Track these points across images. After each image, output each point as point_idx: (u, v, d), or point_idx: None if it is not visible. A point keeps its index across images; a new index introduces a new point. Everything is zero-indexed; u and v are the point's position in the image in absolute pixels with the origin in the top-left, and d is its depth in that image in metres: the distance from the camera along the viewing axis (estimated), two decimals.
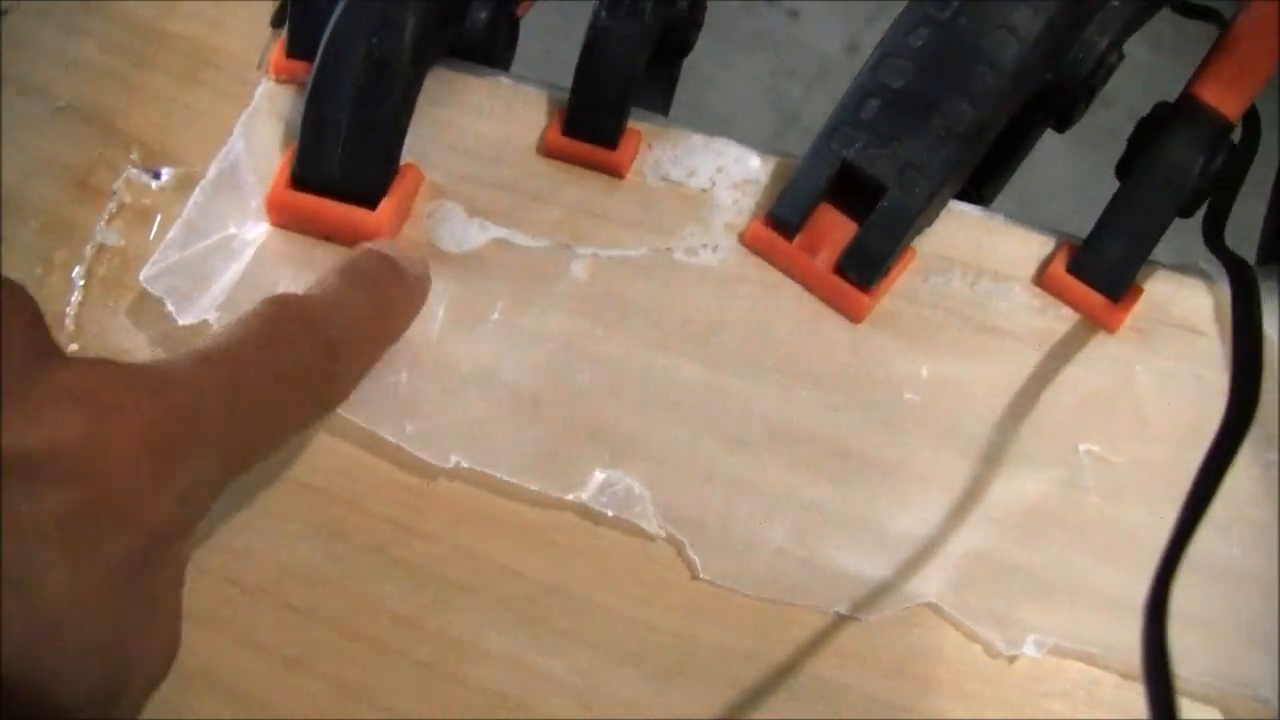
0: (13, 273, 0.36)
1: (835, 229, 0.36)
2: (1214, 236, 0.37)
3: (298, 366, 0.28)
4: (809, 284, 0.36)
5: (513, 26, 0.41)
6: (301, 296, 0.30)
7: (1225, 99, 0.37)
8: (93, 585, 0.22)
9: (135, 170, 0.38)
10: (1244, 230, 0.42)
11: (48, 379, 0.22)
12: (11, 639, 0.20)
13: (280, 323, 0.28)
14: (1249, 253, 0.42)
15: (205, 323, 0.36)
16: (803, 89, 0.90)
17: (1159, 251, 0.37)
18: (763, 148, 0.38)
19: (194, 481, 0.24)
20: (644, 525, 0.34)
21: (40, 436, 0.21)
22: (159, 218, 0.38)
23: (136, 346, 0.36)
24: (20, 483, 0.21)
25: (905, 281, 0.36)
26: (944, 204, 0.36)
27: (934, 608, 0.33)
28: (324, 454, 0.35)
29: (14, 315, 0.23)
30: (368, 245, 0.34)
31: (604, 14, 0.37)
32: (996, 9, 0.34)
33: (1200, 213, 0.38)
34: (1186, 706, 0.33)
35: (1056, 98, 0.38)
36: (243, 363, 0.27)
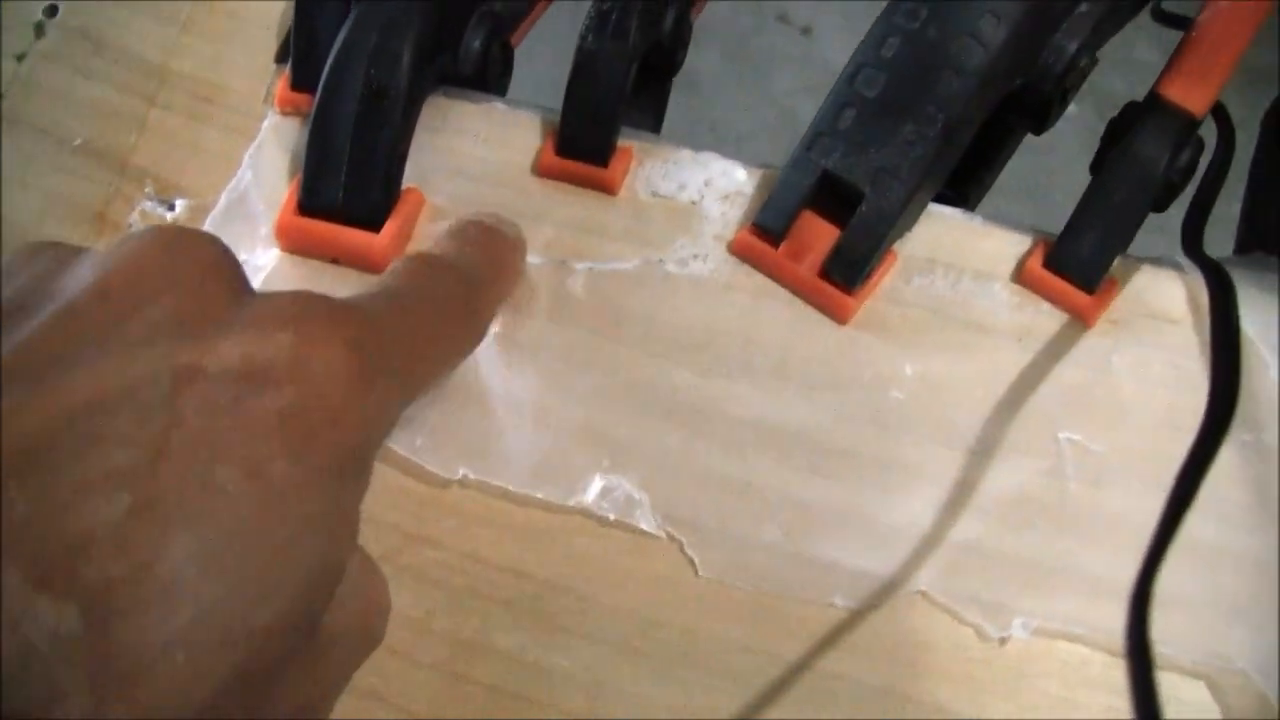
0: None
1: (818, 235, 0.37)
2: (1192, 242, 0.39)
3: (448, 302, 0.32)
4: (795, 289, 0.37)
5: (506, 54, 0.43)
6: (430, 251, 0.34)
7: (1189, 96, 0.38)
8: (308, 473, 0.24)
9: (150, 202, 0.40)
10: (1225, 221, 0.43)
11: (260, 304, 0.26)
12: (249, 516, 0.23)
13: (425, 268, 0.33)
14: (1229, 241, 0.44)
15: None
16: (814, 106, 0.92)
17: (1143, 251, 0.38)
18: (769, 163, 0.40)
19: (382, 398, 0.27)
20: (644, 526, 0.35)
21: (265, 352, 0.24)
22: None
23: None
24: (248, 388, 0.24)
25: (889, 283, 0.38)
26: (922, 207, 0.38)
27: (924, 596, 0.35)
28: None
29: (222, 253, 0.27)
30: (466, 216, 0.38)
31: (590, 37, 0.38)
32: (962, 18, 0.36)
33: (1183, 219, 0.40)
34: (1173, 682, 0.34)
35: (1030, 101, 0.39)
36: (404, 298, 0.30)
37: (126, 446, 0.22)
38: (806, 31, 0.96)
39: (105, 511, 0.22)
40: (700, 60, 1.06)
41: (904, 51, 0.36)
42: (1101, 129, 0.40)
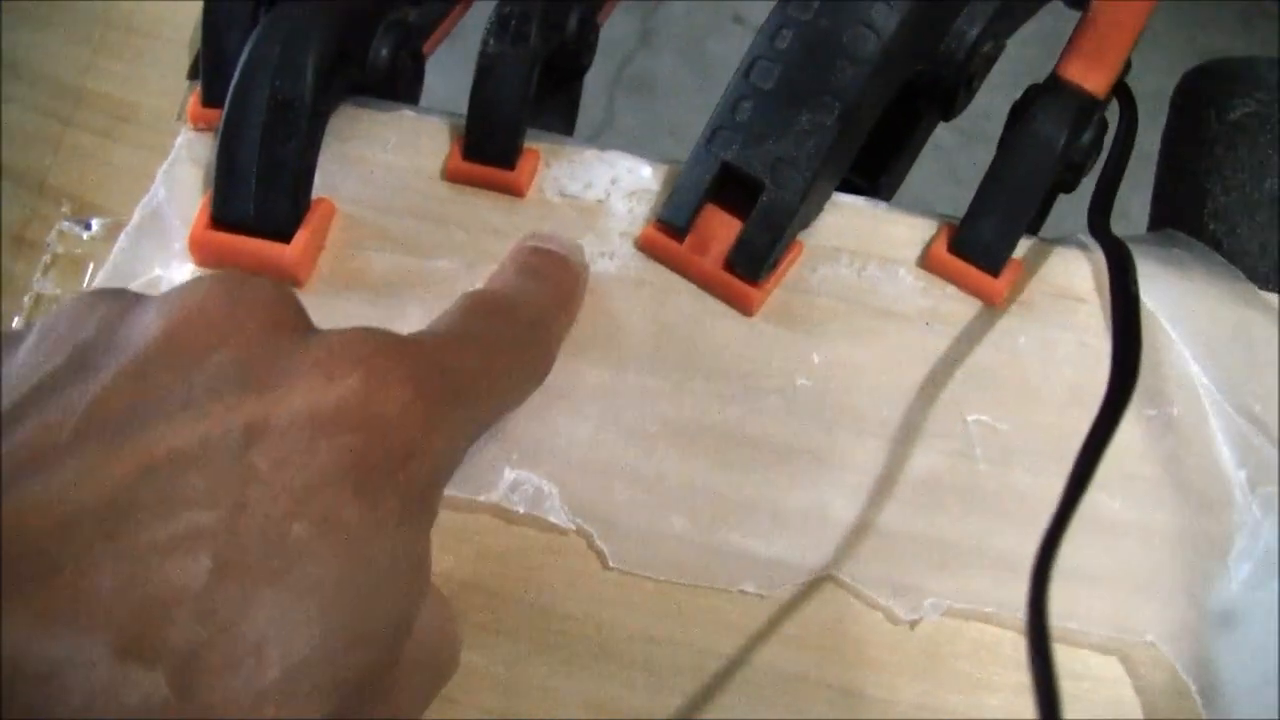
0: None
1: (722, 228, 0.37)
2: (1098, 220, 0.39)
3: (513, 339, 0.32)
4: (701, 282, 0.38)
5: (417, 63, 0.43)
6: (488, 289, 0.34)
7: (1088, 76, 0.38)
8: (382, 517, 0.25)
9: (67, 223, 0.41)
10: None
11: (324, 344, 0.26)
12: (328, 568, 0.23)
13: (481, 307, 0.32)
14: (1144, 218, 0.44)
15: None
16: None
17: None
18: (676, 159, 0.40)
19: (449, 436, 0.27)
20: (554, 520, 0.35)
21: (331, 394, 0.25)
22: (91, 266, 0.40)
23: None
24: (317, 435, 0.24)
25: (794, 273, 0.38)
26: (825, 196, 0.38)
27: (835, 580, 0.35)
28: None
29: (283, 295, 0.27)
30: (527, 240, 0.37)
31: (492, 42, 0.39)
32: (854, 7, 0.36)
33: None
34: (1085, 658, 0.35)
35: (934, 88, 0.40)
36: (469, 337, 0.30)
37: (204, 506, 0.22)
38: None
39: (188, 574, 0.22)
40: (657, 63, 1.07)
41: (798, 42, 0.37)
42: None
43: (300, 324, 0.27)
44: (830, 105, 0.36)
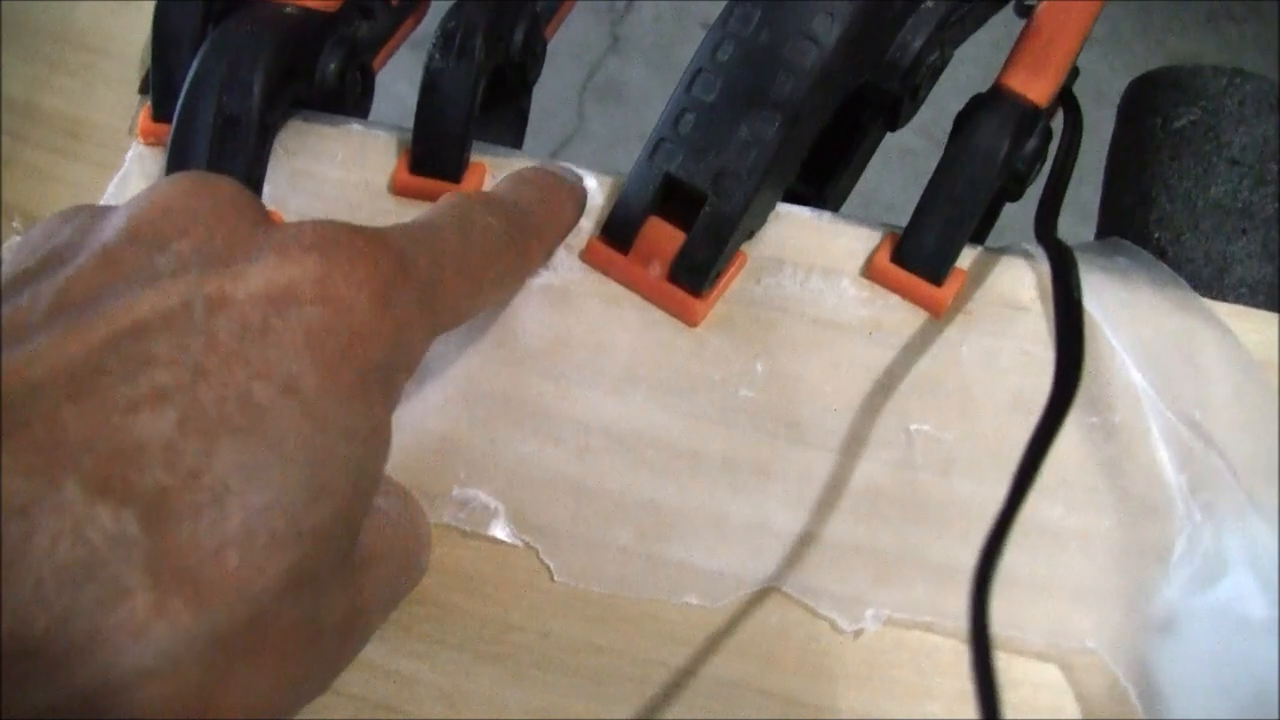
0: None
1: (665, 240, 0.38)
2: (1043, 226, 0.39)
3: (487, 235, 0.33)
4: (645, 294, 0.38)
5: (366, 77, 0.43)
6: (478, 190, 0.36)
7: (1030, 85, 0.39)
8: (338, 386, 0.26)
9: (18, 238, 0.41)
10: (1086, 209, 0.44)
11: (282, 232, 0.27)
12: (287, 427, 0.25)
13: (464, 202, 0.33)
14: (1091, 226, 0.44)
15: None
16: None
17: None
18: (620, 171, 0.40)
19: (407, 319, 0.28)
20: (500, 536, 0.36)
21: (289, 274, 0.26)
22: None
23: None
24: (276, 309, 0.25)
25: (739, 284, 0.38)
26: (768, 208, 0.38)
27: (778, 591, 0.35)
28: None
29: (243, 190, 0.29)
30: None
31: (437, 56, 0.39)
32: (795, 19, 0.36)
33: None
34: (1025, 666, 0.35)
35: (878, 98, 0.40)
36: (438, 228, 0.32)
37: (169, 367, 0.24)
38: None
39: (154, 426, 0.23)
40: (625, 71, 1.07)
41: (738, 55, 0.37)
42: None
43: (259, 216, 0.28)
44: (771, 117, 0.36)
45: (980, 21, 0.44)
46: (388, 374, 0.28)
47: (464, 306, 0.32)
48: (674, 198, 0.37)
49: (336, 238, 0.27)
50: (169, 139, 0.38)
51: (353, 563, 0.28)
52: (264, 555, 0.24)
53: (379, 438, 0.28)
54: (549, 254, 0.38)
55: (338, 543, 0.26)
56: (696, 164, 0.37)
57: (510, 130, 0.45)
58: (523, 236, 0.35)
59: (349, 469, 0.26)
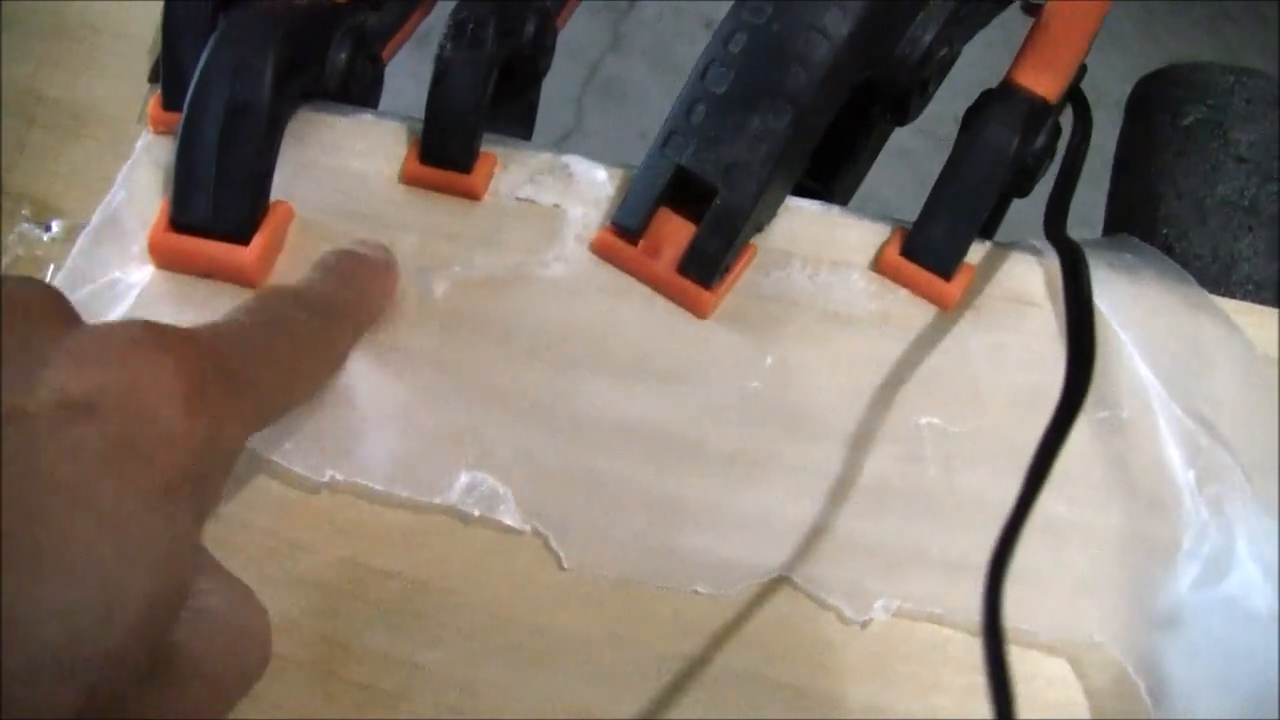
0: None
1: (675, 232, 0.38)
2: (1053, 224, 0.39)
3: (297, 330, 0.33)
4: (655, 286, 0.38)
5: (375, 66, 0.43)
6: (282, 285, 0.35)
7: (1040, 81, 0.39)
8: (138, 497, 0.25)
9: (27, 225, 0.41)
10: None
11: (84, 336, 0.26)
12: (80, 545, 0.23)
13: (273, 298, 0.33)
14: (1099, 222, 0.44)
15: None
16: None
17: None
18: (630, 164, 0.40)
19: (218, 422, 0.27)
20: (509, 522, 0.36)
21: (86, 382, 0.25)
22: (51, 268, 0.40)
23: None
24: (70, 420, 0.24)
25: (748, 277, 0.38)
26: (778, 201, 0.39)
27: (787, 581, 0.35)
28: None
29: (45, 292, 0.28)
30: (334, 249, 0.38)
31: (449, 46, 0.39)
32: (807, 11, 0.36)
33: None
34: (1035, 660, 0.35)
35: (887, 92, 0.40)
36: (247, 326, 0.31)
37: None
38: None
39: None
40: (627, 69, 1.07)
41: (750, 46, 0.37)
42: None
43: (64, 319, 0.27)
44: (783, 109, 0.36)
45: (988, 18, 0.44)
46: (197, 479, 0.27)
47: (278, 402, 0.32)
48: (684, 189, 0.38)
49: (141, 340, 0.26)
50: (179, 128, 0.38)
51: (168, 672, 0.26)
52: (56, 685, 0.22)
53: (181, 547, 0.26)
54: (360, 335, 0.37)
55: (137, 661, 0.24)
56: (708, 156, 0.37)
57: (519, 122, 0.45)
58: (331, 327, 0.35)
59: (147, 584, 0.25)
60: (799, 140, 0.37)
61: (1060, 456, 0.32)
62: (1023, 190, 0.40)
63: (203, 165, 0.38)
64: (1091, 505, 0.36)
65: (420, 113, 0.41)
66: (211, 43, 0.39)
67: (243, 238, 0.38)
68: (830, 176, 0.44)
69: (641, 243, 0.38)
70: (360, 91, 0.42)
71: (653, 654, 0.35)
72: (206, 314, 0.30)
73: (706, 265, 0.37)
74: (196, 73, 0.38)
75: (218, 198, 0.38)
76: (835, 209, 0.39)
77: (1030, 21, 0.42)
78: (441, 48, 0.39)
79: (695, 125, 0.37)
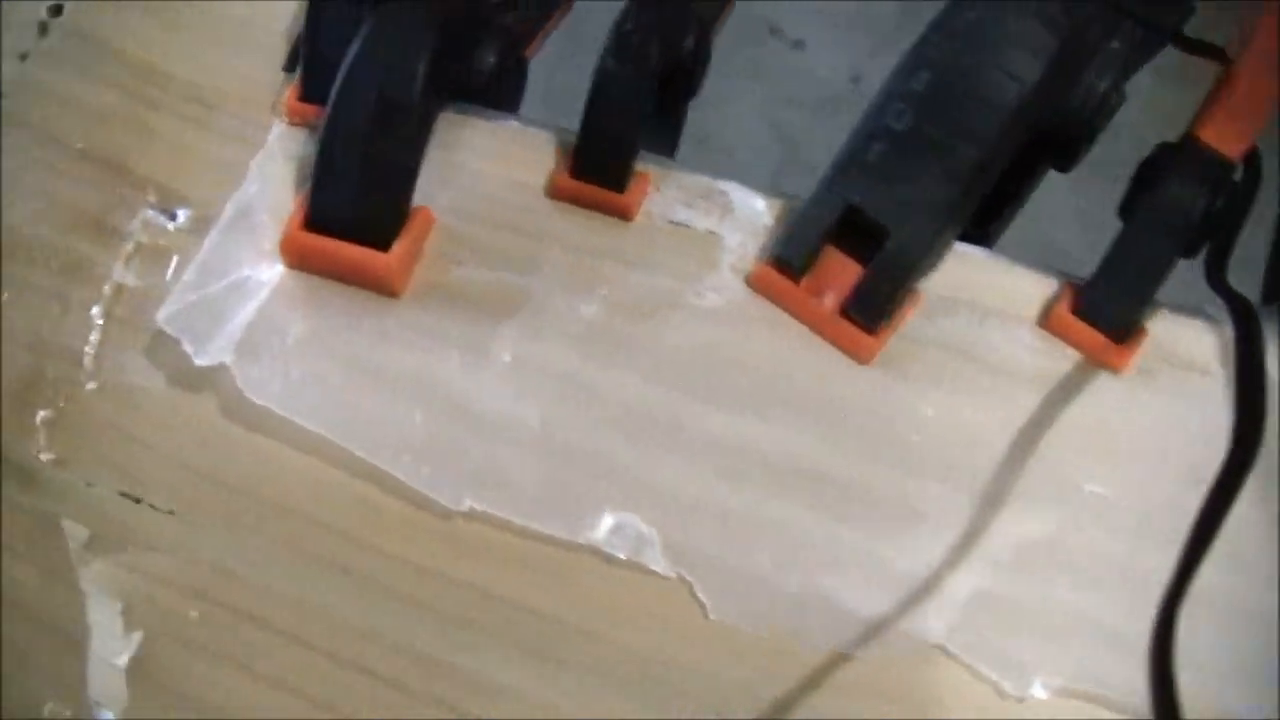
0: (30, 312, 0.37)
1: (840, 271, 0.36)
2: (1216, 275, 0.38)
3: None
4: (815, 326, 0.36)
5: (520, 68, 0.42)
6: None
7: (1226, 140, 0.37)
8: None
9: (151, 211, 0.39)
10: (1250, 265, 0.42)
11: None
12: None
13: None
14: (1254, 290, 0.43)
15: (223, 365, 0.36)
16: (806, 119, 0.91)
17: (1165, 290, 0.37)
18: (767, 181, 0.38)
19: None
20: (655, 568, 0.34)
21: None
22: (175, 258, 0.38)
23: (154, 385, 0.37)
24: None
25: (912, 323, 0.37)
26: (948, 246, 0.37)
27: (940, 649, 0.34)
28: (335, 490, 0.35)
29: None
30: None
31: (611, 59, 0.37)
32: (996, 52, 0.35)
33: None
34: None
35: (1059, 139, 0.38)
36: None
37: None
38: (799, 45, 0.94)
39: None
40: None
41: (934, 84, 0.35)
42: None
43: None
44: (965, 153, 0.35)
45: (1146, 59, 0.42)
46: None
47: None
48: (851, 227, 0.36)
49: None
50: (323, 122, 0.36)
51: None
52: None
53: None
54: None
55: None
56: (882, 195, 0.35)
57: (666, 139, 0.43)
58: None
59: None
60: (976, 185, 0.35)
61: (1229, 532, 0.30)
62: (1193, 251, 0.38)
63: (347, 164, 0.36)
64: (1254, 584, 0.34)
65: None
66: (361, 36, 0.37)
67: (383, 243, 0.36)
68: (988, 220, 0.43)
69: (804, 280, 0.36)
70: (507, 93, 0.40)
71: (787, 710, 0.34)
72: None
73: (873, 309, 0.35)
74: (344, 66, 0.37)
75: (360, 199, 0.36)
76: (1002, 257, 0.38)
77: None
78: (603, 59, 0.37)
79: (871, 162, 0.36)
